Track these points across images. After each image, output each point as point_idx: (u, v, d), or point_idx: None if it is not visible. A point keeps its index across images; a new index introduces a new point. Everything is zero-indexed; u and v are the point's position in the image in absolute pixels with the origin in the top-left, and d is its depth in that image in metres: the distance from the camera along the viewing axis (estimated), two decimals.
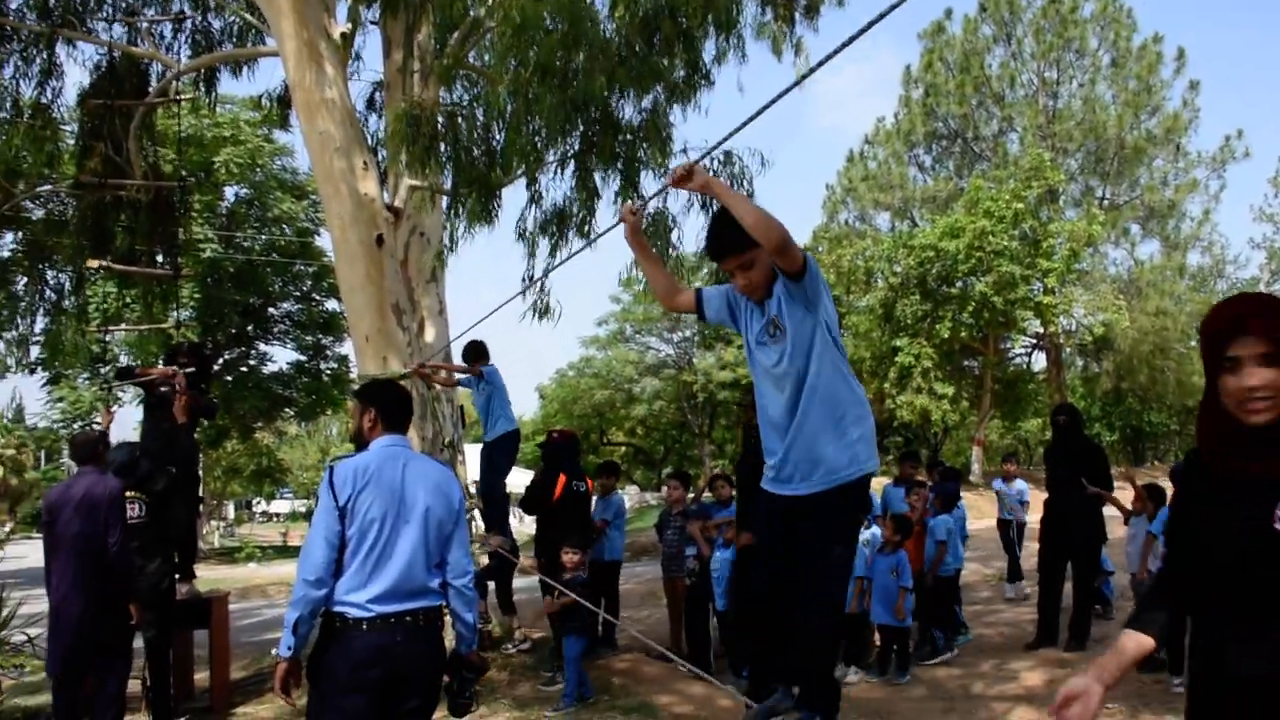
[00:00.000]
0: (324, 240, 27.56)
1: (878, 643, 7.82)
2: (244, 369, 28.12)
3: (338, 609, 3.51)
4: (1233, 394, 2.08)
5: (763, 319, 3.39)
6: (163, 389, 7.66)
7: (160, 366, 7.76)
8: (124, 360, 23.85)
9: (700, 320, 3.75)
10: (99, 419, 8.03)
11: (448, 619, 3.86)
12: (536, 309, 7.90)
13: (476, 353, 7.91)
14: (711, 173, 8.24)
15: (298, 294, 28.43)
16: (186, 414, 7.53)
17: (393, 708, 3.58)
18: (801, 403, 3.29)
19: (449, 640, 3.91)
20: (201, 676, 7.92)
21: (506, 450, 8.06)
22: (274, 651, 3.72)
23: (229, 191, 25.71)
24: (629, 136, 7.15)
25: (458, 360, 8.26)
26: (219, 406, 8.36)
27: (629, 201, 3.59)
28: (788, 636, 3.47)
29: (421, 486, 3.67)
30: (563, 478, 7.91)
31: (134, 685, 6.87)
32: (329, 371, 28.96)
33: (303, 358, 28.94)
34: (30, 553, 9.89)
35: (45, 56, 8.91)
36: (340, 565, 3.55)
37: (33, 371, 24.14)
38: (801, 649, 3.35)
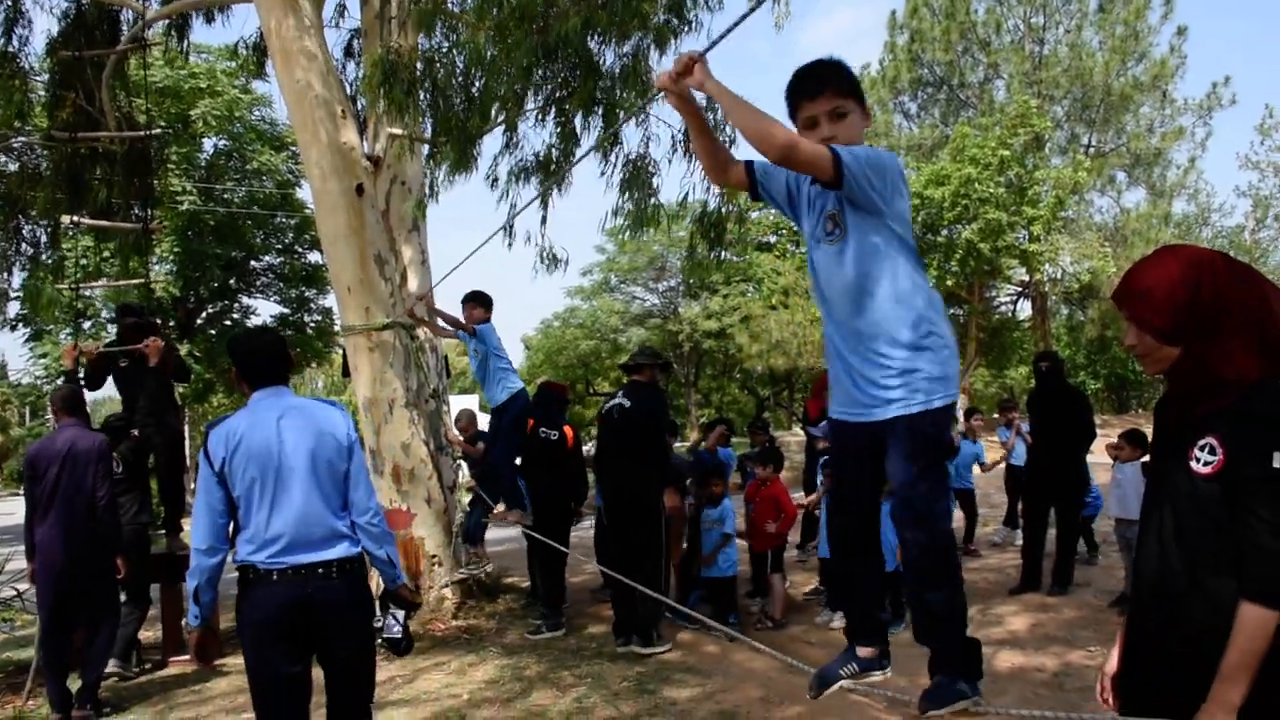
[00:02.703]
0: (305, 192, 27.28)
1: None
2: (227, 323, 27.92)
3: (248, 562, 3.54)
4: None
5: (821, 211, 2.89)
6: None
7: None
8: (105, 314, 23.69)
9: (753, 199, 3.15)
10: (69, 358, 7.97)
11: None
12: (544, 259, 7.76)
13: (477, 303, 7.43)
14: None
15: (280, 246, 28.14)
16: (157, 354, 7.50)
17: (323, 656, 3.64)
18: (864, 317, 2.80)
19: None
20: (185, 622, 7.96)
21: (516, 415, 7.56)
22: (183, 622, 3.77)
23: (207, 143, 25.38)
24: (609, 82, 7.05)
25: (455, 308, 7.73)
26: (186, 366, 8.30)
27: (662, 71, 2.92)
28: (870, 586, 3.09)
29: (301, 433, 3.62)
30: (531, 421, 7.84)
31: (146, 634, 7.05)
32: (313, 324, 28.77)
33: (286, 311, 28.74)
34: (18, 509, 9.90)
35: (11, 3, 8.71)
36: (239, 526, 3.57)
37: (14, 328, 23.93)
38: (922, 602, 2.87)
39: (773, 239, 33.99)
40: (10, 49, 8.82)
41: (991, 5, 29.96)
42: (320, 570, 3.53)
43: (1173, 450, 2.29)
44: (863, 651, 3.02)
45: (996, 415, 10.71)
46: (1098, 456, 8.38)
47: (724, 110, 2.64)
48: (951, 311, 28.71)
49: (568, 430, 8.06)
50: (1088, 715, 2.56)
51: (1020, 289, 30.64)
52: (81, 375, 7.77)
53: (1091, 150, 29.60)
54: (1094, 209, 31.01)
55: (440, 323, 7.73)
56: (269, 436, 3.57)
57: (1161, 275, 2.27)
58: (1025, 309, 32.07)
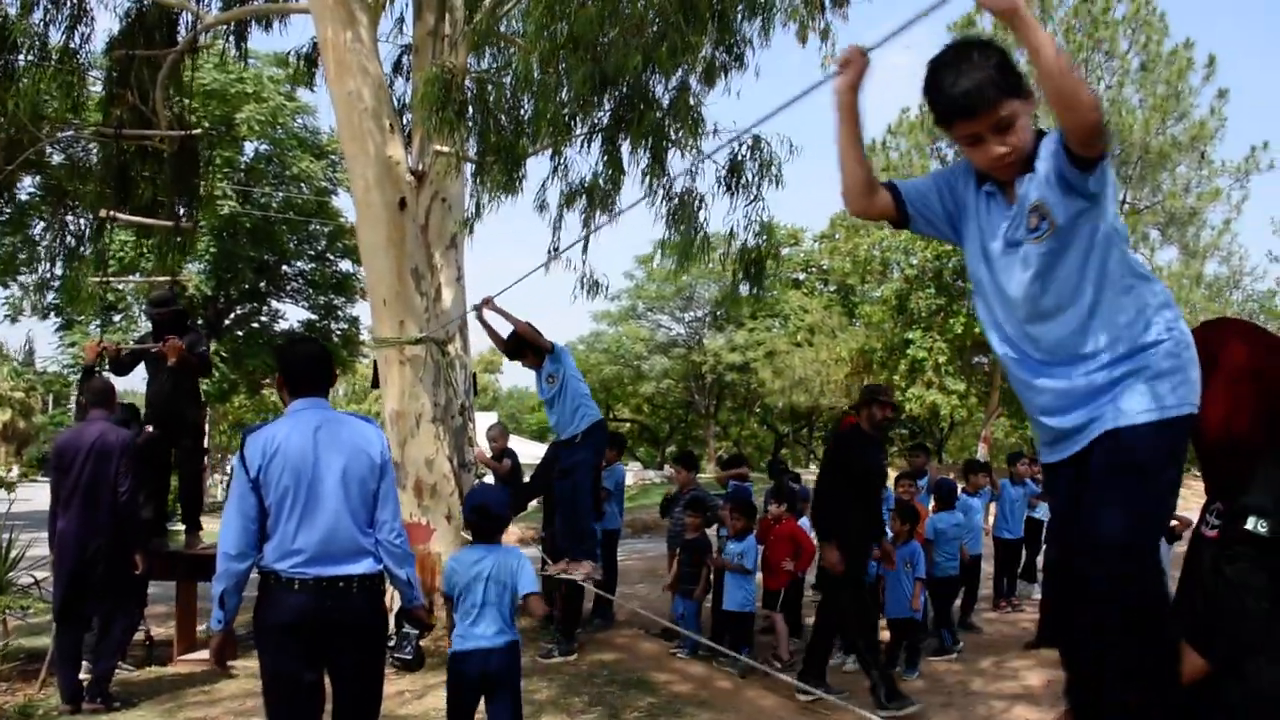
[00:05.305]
0: (341, 200, 27.59)
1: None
2: (255, 325, 28.20)
3: (271, 569, 3.57)
4: None
5: (1010, 211, 2.42)
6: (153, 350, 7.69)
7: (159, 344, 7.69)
8: (136, 308, 23.96)
9: (897, 227, 2.74)
10: (91, 354, 7.94)
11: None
12: (584, 284, 7.80)
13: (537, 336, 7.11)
14: (739, 158, 8.18)
15: (312, 253, 28.46)
16: (175, 354, 7.48)
17: (333, 668, 3.67)
18: (1085, 321, 2.33)
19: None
20: (205, 628, 8.00)
21: (595, 448, 7.10)
22: (204, 626, 3.79)
23: (248, 147, 25.71)
24: (658, 114, 7.10)
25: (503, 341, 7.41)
26: (209, 361, 8.30)
27: (851, 45, 2.57)
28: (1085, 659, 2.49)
29: (336, 448, 3.64)
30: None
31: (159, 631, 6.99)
32: (339, 332, 29.03)
33: (314, 317, 29.01)
34: (35, 495, 9.96)
35: (76, 2, 8.87)
36: (266, 533, 3.60)
37: (45, 316, 24.22)
38: (1107, 677, 2.29)
39: (801, 276, 34.00)
40: (71, 45, 8.98)
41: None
42: (341, 584, 3.57)
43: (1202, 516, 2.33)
44: None
45: (1019, 467, 10.59)
46: None
47: (1036, 51, 2.15)
48: (976, 360, 28.64)
49: None
50: None
51: None
52: (100, 370, 7.79)
53: (1126, 207, 29.49)
54: None
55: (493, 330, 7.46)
56: (305, 447, 3.60)
57: None
58: None
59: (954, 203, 2.58)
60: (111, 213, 8.66)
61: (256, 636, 3.66)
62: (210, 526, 8.51)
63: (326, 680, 3.72)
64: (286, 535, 3.54)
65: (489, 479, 9.75)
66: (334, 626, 3.56)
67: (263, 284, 27.58)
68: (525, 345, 7.08)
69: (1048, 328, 2.39)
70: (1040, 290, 2.37)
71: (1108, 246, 2.33)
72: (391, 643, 4.10)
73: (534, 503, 10.62)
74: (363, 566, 3.62)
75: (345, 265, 28.37)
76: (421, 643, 4.44)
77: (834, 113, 2.61)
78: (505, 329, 7.32)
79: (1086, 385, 2.34)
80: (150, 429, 7.54)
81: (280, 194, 26.02)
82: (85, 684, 6.18)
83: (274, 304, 28.83)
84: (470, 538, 4.58)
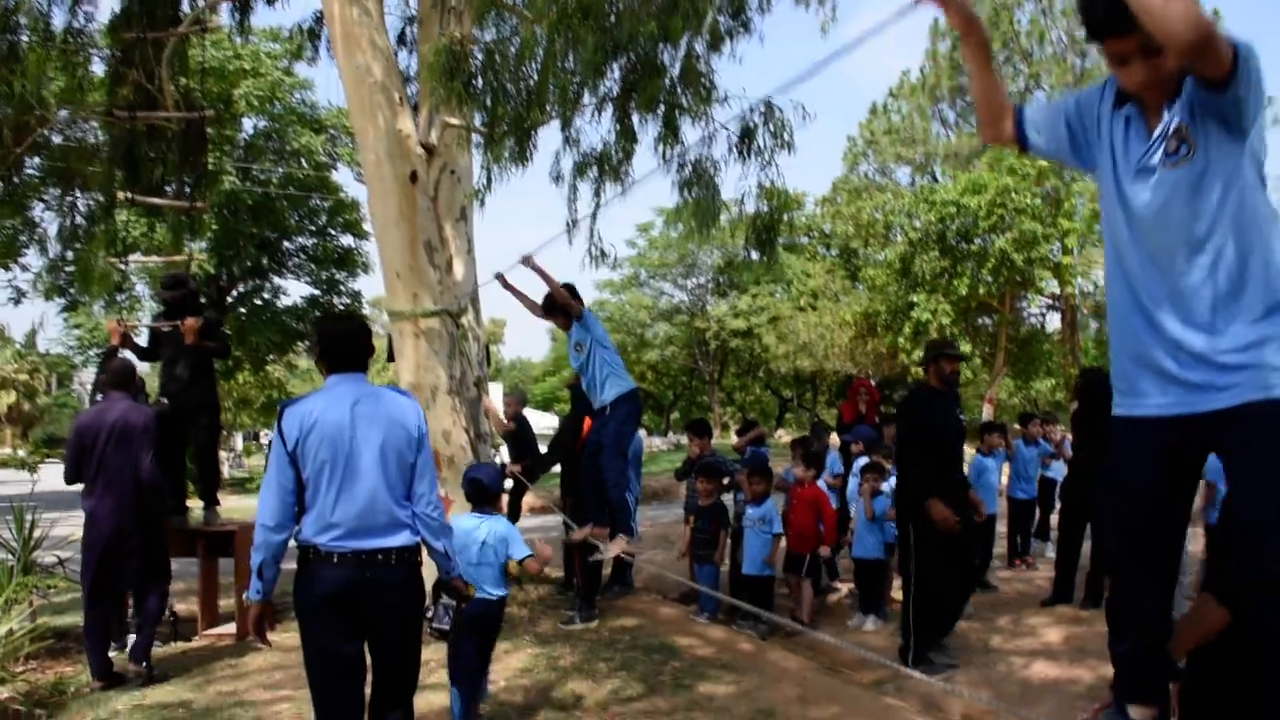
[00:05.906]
0: (341, 175, 27.48)
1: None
2: (258, 301, 28.17)
3: (310, 542, 3.61)
4: None
5: (1150, 135, 2.29)
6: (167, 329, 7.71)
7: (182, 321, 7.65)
8: (141, 288, 23.94)
9: (1022, 152, 2.69)
10: (116, 336, 7.93)
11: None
12: (592, 254, 7.78)
13: (572, 296, 7.00)
14: (750, 124, 8.15)
15: (313, 228, 28.38)
16: (192, 334, 7.50)
17: (373, 638, 3.72)
18: (1217, 262, 2.18)
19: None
20: (226, 603, 8.09)
21: (627, 417, 6.91)
22: (245, 596, 3.83)
23: (247, 124, 25.57)
24: (669, 82, 7.07)
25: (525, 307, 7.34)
26: (229, 347, 8.30)
27: None
28: (1155, 633, 2.42)
29: (374, 422, 3.67)
30: (588, 420, 7.88)
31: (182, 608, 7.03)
32: (342, 307, 28.99)
33: (316, 292, 28.96)
34: (46, 476, 10.00)
35: None
36: (304, 506, 3.64)
37: (49, 298, 24.17)
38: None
39: (804, 240, 33.93)
40: (75, 24, 8.91)
41: (1035, 16, 29.70)
42: (380, 557, 3.61)
43: None
44: (1138, 713, 2.47)
45: (1031, 427, 10.67)
46: None
47: None
48: (981, 321, 28.61)
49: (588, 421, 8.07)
50: None
51: (1051, 301, 30.46)
52: (124, 352, 7.81)
53: None
54: None
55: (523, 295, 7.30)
56: (342, 421, 3.63)
57: None
58: (1054, 321, 31.90)
59: (1083, 125, 2.46)
60: (128, 194, 8.65)
61: (297, 610, 3.71)
62: (225, 502, 8.60)
63: (366, 652, 3.77)
64: (325, 508, 3.58)
65: (503, 451, 9.79)
66: (373, 599, 3.60)
67: (265, 260, 27.50)
68: (557, 307, 7.03)
69: (1174, 264, 2.23)
70: (1170, 220, 2.23)
71: (1249, 188, 2.19)
72: (429, 614, 4.15)
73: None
74: (400, 539, 3.66)
75: (347, 240, 28.34)
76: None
77: (962, 42, 2.55)
78: (535, 290, 7.21)
79: (1216, 343, 2.19)
80: (164, 401, 7.59)
81: (280, 170, 25.93)
82: (128, 649, 6.35)
83: (276, 280, 28.78)
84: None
